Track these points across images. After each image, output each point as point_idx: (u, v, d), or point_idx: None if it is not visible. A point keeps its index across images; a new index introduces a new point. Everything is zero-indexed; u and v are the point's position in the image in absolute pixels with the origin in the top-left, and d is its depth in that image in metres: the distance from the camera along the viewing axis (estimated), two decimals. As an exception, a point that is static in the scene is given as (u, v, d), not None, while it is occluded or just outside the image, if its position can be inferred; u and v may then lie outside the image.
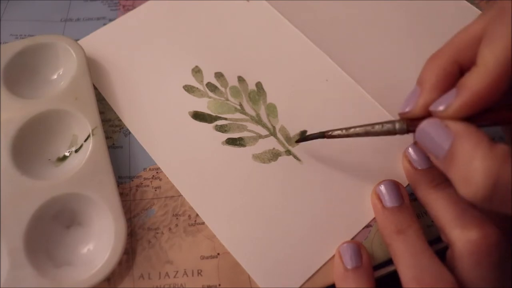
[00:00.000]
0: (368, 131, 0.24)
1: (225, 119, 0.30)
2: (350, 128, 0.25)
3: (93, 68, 0.31)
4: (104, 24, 0.34)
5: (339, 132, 0.25)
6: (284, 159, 0.28)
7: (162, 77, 0.32)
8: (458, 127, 0.20)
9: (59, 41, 0.31)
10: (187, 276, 0.25)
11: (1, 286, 0.23)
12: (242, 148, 0.29)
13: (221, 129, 0.30)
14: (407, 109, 0.23)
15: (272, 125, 0.30)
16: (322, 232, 0.26)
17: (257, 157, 0.28)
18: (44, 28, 0.34)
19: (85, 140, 0.28)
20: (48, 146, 0.28)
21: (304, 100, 0.31)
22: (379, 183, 0.26)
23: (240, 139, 0.29)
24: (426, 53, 0.32)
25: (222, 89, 0.31)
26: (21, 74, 0.30)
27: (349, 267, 0.24)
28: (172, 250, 0.26)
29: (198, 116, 0.30)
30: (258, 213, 0.27)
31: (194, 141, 0.29)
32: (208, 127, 0.30)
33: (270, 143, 0.29)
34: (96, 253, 0.25)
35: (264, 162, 0.28)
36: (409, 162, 0.26)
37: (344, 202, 0.27)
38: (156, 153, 0.29)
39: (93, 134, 0.27)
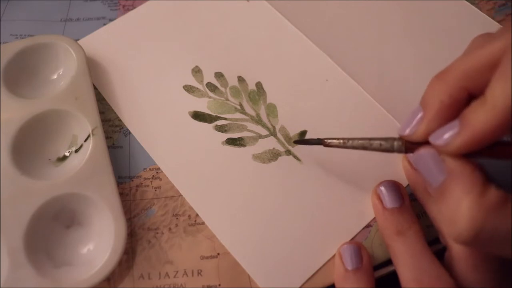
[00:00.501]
0: (366, 147, 0.24)
1: (225, 119, 0.30)
2: (348, 140, 0.24)
3: (93, 68, 0.31)
4: (104, 24, 0.34)
5: (336, 142, 0.25)
6: (284, 159, 0.28)
7: (162, 77, 0.32)
8: (453, 165, 0.19)
9: (59, 41, 0.31)
10: (187, 276, 0.25)
11: (1, 286, 0.23)
12: (242, 148, 0.29)
13: (221, 129, 0.30)
14: (407, 132, 0.22)
15: (272, 125, 0.30)
16: (322, 232, 0.26)
17: (257, 157, 0.28)
18: (44, 28, 0.34)
19: (85, 140, 0.28)
20: (48, 146, 0.28)
21: (304, 100, 0.31)
22: (380, 184, 0.26)
23: (240, 139, 0.29)
24: (426, 53, 0.32)
25: (222, 89, 0.31)
26: (21, 74, 0.30)
27: (349, 268, 0.24)
28: (172, 250, 0.26)
29: (198, 116, 0.30)
30: (258, 213, 0.27)
31: (194, 141, 0.29)
32: (208, 127, 0.30)
33: (270, 143, 0.29)
34: (96, 253, 0.24)
35: (264, 162, 0.28)
36: (409, 162, 0.26)
37: (344, 202, 0.27)
38: (156, 153, 0.29)
39: (93, 134, 0.27)
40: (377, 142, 0.23)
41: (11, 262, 0.23)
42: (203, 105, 0.31)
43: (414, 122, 0.22)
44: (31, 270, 0.23)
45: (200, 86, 0.31)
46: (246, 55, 0.33)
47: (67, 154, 0.28)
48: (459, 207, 0.18)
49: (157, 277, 0.25)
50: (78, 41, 0.33)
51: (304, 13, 0.35)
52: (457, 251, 0.22)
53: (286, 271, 0.25)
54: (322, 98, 0.31)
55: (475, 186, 0.18)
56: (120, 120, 0.30)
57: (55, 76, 0.31)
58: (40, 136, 0.28)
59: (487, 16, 0.35)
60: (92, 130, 0.27)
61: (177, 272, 0.25)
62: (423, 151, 0.21)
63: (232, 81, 0.32)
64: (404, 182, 0.27)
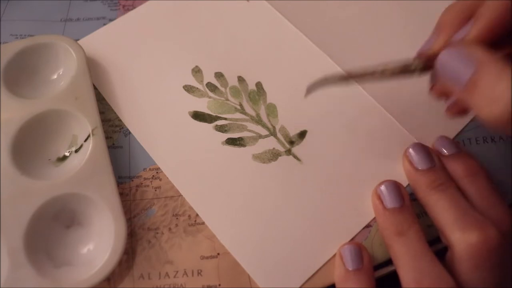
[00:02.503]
0: (384, 70, 0.23)
1: (225, 119, 0.30)
2: (369, 71, 0.23)
3: (93, 68, 0.31)
4: (104, 24, 0.34)
5: (356, 72, 0.24)
6: (284, 159, 0.28)
7: (162, 77, 0.32)
8: (481, 54, 0.19)
9: (59, 41, 0.31)
10: (187, 276, 0.25)
11: (1, 286, 0.23)
12: (242, 148, 0.29)
13: (221, 129, 0.30)
14: (426, 48, 0.23)
15: (272, 125, 0.30)
16: (322, 232, 0.26)
17: (257, 157, 0.28)
18: (44, 28, 0.34)
19: (85, 140, 0.28)
20: (48, 146, 0.28)
21: (304, 100, 0.31)
22: (380, 184, 0.26)
23: (240, 139, 0.29)
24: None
25: (222, 89, 0.31)
26: (21, 74, 0.30)
27: (350, 268, 0.24)
28: (172, 250, 0.26)
29: (198, 116, 0.30)
30: (258, 213, 0.27)
31: (194, 141, 0.29)
32: (208, 127, 0.30)
33: (270, 143, 0.29)
34: (96, 253, 0.24)
35: (264, 162, 0.28)
36: (410, 162, 0.26)
37: (344, 202, 0.27)
38: (155, 153, 0.29)
39: (93, 134, 0.27)
40: (394, 64, 0.23)
41: (11, 262, 0.23)
42: (203, 105, 0.31)
43: (432, 39, 0.23)
44: (31, 270, 0.23)
45: (200, 86, 0.31)
46: (246, 55, 0.33)
47: (67, 154, 0.28)
48: (498, 84, 0.18)
49: (157, 277, 0.25)
50: (78, 41, 0.33)
51: (304, 13, 0.35)
52: (460, 251, 0.22)
53: (286, 271, 0.25)
54: (322, 98, 0.31)
55: (508, 66, 0.18)
56: (120, 120, 0.30)
57: (55, 76, 0.31)
58: (40, 136, 0.28)
59: None
60: (92, 130, 0.27)
61: (177, 272, 0.25)
62: (448, 49, 0.21)
63: (232, 81, 0.32)
64: (404, 182, 0.27)
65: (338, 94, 0.31)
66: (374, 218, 0.26)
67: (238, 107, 0.30)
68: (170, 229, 0.26)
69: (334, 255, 0.25)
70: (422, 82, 0.30)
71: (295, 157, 0.29)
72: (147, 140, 0.29)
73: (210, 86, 0.31)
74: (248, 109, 0.30)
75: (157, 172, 0.28)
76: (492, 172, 0.28)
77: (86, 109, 0.28)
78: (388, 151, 0.28)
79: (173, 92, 0.31)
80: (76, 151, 0.28)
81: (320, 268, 0.25)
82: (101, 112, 0.30)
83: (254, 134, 0.29)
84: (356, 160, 0.28)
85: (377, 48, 0.33)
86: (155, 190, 0.28)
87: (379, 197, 0.26)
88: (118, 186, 0.26)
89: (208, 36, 0.34)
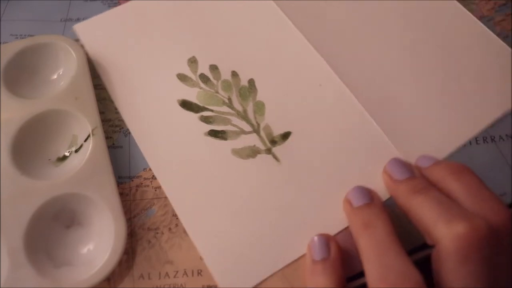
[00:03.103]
0: None
1: (211, 111, 0.30)
2: None
3: (92, 53, 0.32)
4: (104, 24, 0.35)
5: None
6: (262, 157, 0.28)
7: (158, 63, 0.32)
8: None
9: (59, 41, 0.31)
10: (187, 276, 0.25)
11: (1, 286, 0.23)
12: (222, 141, 0.29)
13: (205, 120, 0.30)
14: None
15: (257, 122, 0.30)
16: (289, 234, 0.26)
17: (236, 152, 0.29)
18: (44, 28, 0.34)
19: (85, 140, 0.28)
20: (48, 146, 0.28)
21: (294, 102, 0.31)
22: (350, 189, 0.26)
23: (223, 132, 0.29)
24: (426, 72, 0.32)
25: (214, 81, 0.31)
26: (21, 74, 0.30)
27: (316, 258, 0.24)
28: (172, 250, 0.26)
29: (185, 104, 0.30)
30: (228, 207, 0.27)
31: (177, 128, 0.29)
32: (193, 116, 0.30)
33: (251, 140, 0.29)
34: (96, 253, 0.25)
35: (242, 158, 0.28)
36: (389, 176, 0.26)
37: (317, 208, 0.27)
38: (139, 133, 0.29)
39: (93, 134, 0.27)
40: None
41: (11, 262, 0.23)
42: (192, 95, 0.31)
43: None
44: (31, 270, 0.23)
45: (193, 76, 0.32)
46: (243, 51, 0.33)
47: (67, 154, 0.28)
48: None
49: (157, 277, 0.25)
50: (79, 24, 0.33)
51: (308, 16, 0.34)
52: (447, 244, 0.21)
53: (245, 268, 0.25)
54: (313, 102, 0.31)
55: None
56: (120, 120, 0.30)
57: (55, 76, 0.31)
58: (40, 136, 0.28)
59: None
60: (92, 130, 0.27)
61: (177, 272, 0.25)
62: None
63: (226, 75, 0.32)
64: (382, 190, 0.26)
65: (329, 101, 0.31)
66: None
67: (227, 100, 0.31)
68: (170, 229, 0.26)
69: (299, 258, 0.25)
70: (419, 102, 0.30)
71: (275, 157, 0.28)
72: (132, 119, 0.30)
73: (203, 78, 0.32)
74: (236, 104, 0.31)
75: (157, 172, 0.28)
76: (492, 172, 0.28)
77: (86, 109, 0.28)
78: (371, 166, 0.28)
79: (166, 79, 0.31)
80: (76, 151, 0.28)
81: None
82: (101, 112, 0.30)
83: (237, 129, 0.29)
84: (335, 169, 0.28)
85: (377, 60, 0.32)
86: (155, 190, 0.28)
87: (349, 201, 0.25)
88: (118, 186, 0.26)
89: (209, 28, 0.34)
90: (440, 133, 0.29)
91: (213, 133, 0.29)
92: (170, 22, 0.34)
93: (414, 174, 0.25)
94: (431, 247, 0.22)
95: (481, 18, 0.35)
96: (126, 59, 0.32)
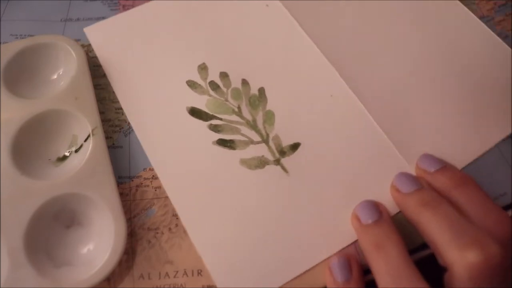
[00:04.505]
0: None
1: (221, 119, 0.30)
2: None
3: (102, 54, 0.32)
4: (104, 24, 0.34)
5: None
6: (271, 168, 0.28)
7: (168, 69, 0.32)
8: None
9: (59, 41, 0.31)
10: (187, 276, 0.25)
11: (1, 286, 0.23)
12: (231, 151, 0.29)
13: (214, 128, 0.29)
14: None
15: (266, 132, 0.29)
16: (295, 247, 0.26)
17: (244, 162, 0.28)
18: (44, 28, 0.34)
19: (85, 140, 0.28)
20: (48, 146, 0.28)
21: (304, 112, 0.30)
22: (358, 204, 0.26)
23: (231, 141, 0.29)
24: (439, 86, 0.31)
25: (224, 89, 0.31)
26: (21, 74, 0.30)
27: (339, 280, 0.24)
28: (172, 250, 0.26)
29: (195, 112, 0.30)
30: (235, 217, 0.26)
31: (185, 136, 0.29)
32: (202, 124, 0.30)
33: (260, 150, 0.29)
34: (96, 253, 0.25)
35: (250, 168, 0.28)
36: (396, 190, 0.26)
37: (325, 221, 0.26)
38: (146, 140, 0.29)
39: (93, 134, 0.27)
40: None
41: (11, 262, 0.23)
42: (202, 103, 0.30)
43: None
44: (31, 270, 0.23)
45: (203, 83, 0.31)
46: (254, 59, 0.32)
47: (67, 154, 0.28)
48: None
49: (157, 277, 0.25)
50: (88, 27, 0.33)
51: (321, 26, 0.34)
52: (460, 272, 0.21)
53: (246, 279, 0.25)
54: (323, 114, 0.30)
55: None
56: (120, 120, 0.30)
57: (55, 76, 0.31)
58: (40, 136, 0.28)
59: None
60: (92, 130, 0.27)
61: (177, 272, 0.25)
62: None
63: (236, 83, 0.31)
64: (390, 202, 0.26)
65: (340, 112, 0.30)
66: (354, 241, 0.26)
67: (236, 109, 0.30)
68: (170, 229, 0.26)
69: (306, 272, 0.25)
70: (431, 116, 0.30)
71: (283, 168, 0.28)
72: (141, 126, 0.30)
73: (213, 85, 0.31)
74: (246, 113, 0.30)
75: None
76: (492, 172, 0.28)
77: (86, 109, 0.28)
78: (381, 180, 0.27)
79: (176, 85, 0.31)
80: (76, 151, 0.28)
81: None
82: (101, 112, 0.30)
83: (246, 139, 0.29)
84: (344, 182, 0.27)
85: (391, 73, 0.32)
86: (155, 190, 0.28)
87: (357, 216, 0.25)
88: (118, 186, 0.26)
89: (220, 35, 0.34)
90: (450, 149, 0.29)
91: (222, 142, 0.29)
92: (181, 27, 0.34)
93: (422, 186, 0.25)
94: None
95: (481, 18, 0.35)
96: (135, 63, 0.32)
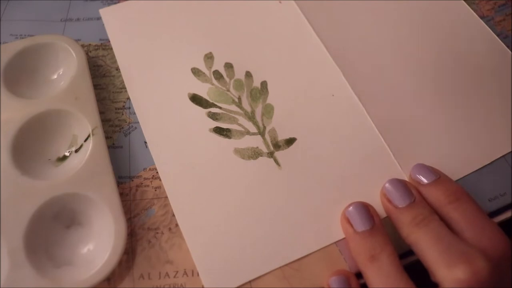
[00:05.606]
0: None
1: (220, 108, 0.30)
2: None
3: (113, 35, 0.33)
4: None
5: None
6: (264, 160, 0.28)
7: (175, 55, 0.33)
8: None
9: (59, 41, 0.31)
10: (187, 276, 0.25)
11: (1, 286, 0.23)
12: (226, 139, 0.29)
13: (213, 116, 0.30)
14: None
15: (263, 124, 0.30)
16: (281, 239, 0.26)
17: (238, 152, 0.29)
18: (44, 28, 0.34)
19: (85, 140, 0.28)
20: (48, 146, 0.28)
21: (304, 109, 0.30)
22: (348, 206, 0.25)
23: (228, 130, 0.29)
24: (444, 95, 0.31)
25: (227, 79, 0.32)
26: (21, 74, 0.30)
27: None
28: (172, 250, 0.26)
29: (195, 99, 0.31)
30: (222, 204, 0.27)
31: (183, 120, 0.30)
32: (201, 111, 0.30)
33: (255, 142, 0.29)
34: (96, 253, 0.25)
35: (243, 158, 0.28)
36: (388, 200, 0.25)
37: (313, 216, 0.26)
38: (144, 118, 0.30)
39: (93, 134, 0.27)
40: None
41: (11, 262, 0.23)
42: (203, 90, 0.31)
43: None
44: (31, 270, 0.23)
45: (207, 72, 0.32)
46: (260, 53, 0.33)
47: (67, 154, 0.28)
48: None
49: (157, 277, 0.25)
50: (105, 9, 0.35)
51: (330, 25, 0.34)
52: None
53: (231, 268, 0.25)
54: (322, 112, 0.30)
55: None
56: (120, 120, 0.30)
57: (55, 76, 0.31)
58: (40, 136, 0.28)
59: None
60: (92, 130, 0.27)
61: (177, 272, 0.25)
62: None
63: (239, 75, 0.32)
64: (382, 212, 0.26)
65: (339, 112, 0.30)
66: (343, 239, 0.26)
67: (237, 100, 0.31)
68: (170, 229, 0.26)
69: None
70: (432, 127, 0.29)
71: (276, 161, 0.28)
72: (142, 109, 0.30)
73: (217, 74, 0.32)
74: (246, 104, 0.31)
75: (157, 172, 0.28)
76: (492, 172, 0.28)
77: (86, 109, 0.28)
78: (373, 183, 0.27)
79: (181, 71, 0.32)
80: (76, 151, 0.28)
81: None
82: (101, 112, 0.30)
83: (242, 129, 0.29)
84: (335, 181, 0.28)
85: (396, 79, 0.31)
86: (155, 190, 0.28)
87: (348, 220, 0.25)
88: (118, 186, 0.26)
89: (229, 27, 0.34)
90: (448, 160, 0.28)
91: (218, 130, 0.29)
92: (192, 15, 0.34)
93: (414, 199, 0.25)
94: None
95: (481, 18, 0.35)
96: (144, 45, 0.33)
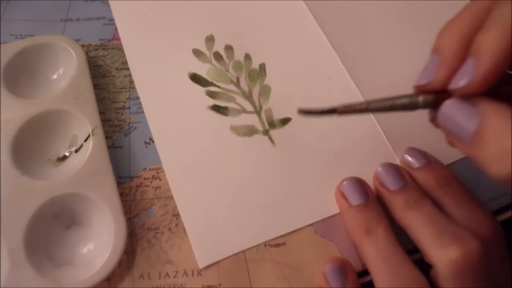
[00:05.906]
0: (389, 106, 0.21)
1: (218, 87, 0.31)
2: (369, 103, 0.22)
3: (117, 13, 0.35)
4: (104, 25, 0.34)
5: (355, 107, 0.22)
6: (259, 138, 0.29)
7: (177, 36, 0.33)
8: (486, 105, 0.18)
9: (59, 41, 0.31)
10: (187, 276, 0.25)
11: (1, 286, 0.23)
12: (223, 117, 0.30)
13: (211, 94, 0.31)
14: (425, 81, 0.20)
15: (260, 104, 0.30)
16: (273, 213, 0.27)
17: (234, 129, 0.29)
18: (44, 28, 0.34)
19: (85, 140, 0.28)
20: (48, 146, 0.28)
21: (300, 91, 0.31)
22: (342, 181, 0.26)
23: (225, 108, 0.30)
24: None
25: (227, 60, 0.32)
26: (21, 74, 0.30)
27: (334, 286, 0.23)
28: (172, 250, 0.26)
29: (195, 78, 0.31)
30: (217, 178, 0.28)
31: (182, 97, 0.31)
32: (200, 90, 0.31)
33: (251, 120, 0.30)
34: (96, 253, 0.25)
35: (238, 135, 0.29)
36: (382, 183, 0.26)
37: (306, 193, 0.27)
38: (145, 95, 0.31)
39: (93, 134, 0.27)
40: (401, 101, 0.21)
41: (11, 262, 0.23)
42: (203, 70, 0.32)
43: (433, 68, 0.20)
44: (31, 270, 0.23)
45: (207, 53, 0.33)
46: (260, 36, 0.34)
47: (67, 154, 0.28)
48: (506, 137, 0.17)
49: (157, 277, 0.25)
50: None
51: (330, 11, 0.35)
52: (441, 268, 0.21)
53: (222, 240, 0.26)
54: (319, 94, 0.31)
55: None
56: (120, 120, 0.30)
57: (55, 76, 0.31)
58: (40, 136, 0.28)
59: None
60: (92, 130, 0.27)
61: (177, 272, 0.25)
62: (448, 104, 0.19)
63: (239, 56, 0.33)
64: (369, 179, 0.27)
65: (335, 95, 0.31)
66: (338, 213, 0.26)
67: (235, 80, 0.31)
68: (170, 229, 0.26)
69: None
70: (426, 117, 0.29)
71: (271, 139, 0.29)
72: (142, 82, 0.31)
73: (217, 55, 0.33)
74: (243, 84, 0.31)
75: (157, 172, 0.28)
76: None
77: (86, 109, 0.28)
78: (366, 166, 0.28)
79: (182, 51, 0.33)
80: (76, 151, 0.28)
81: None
82: (101, 112, 0.30)
83: (239, 108, 0.30)
84: (328, 160, 0.28)
85: (392, 66, 0.32)
86: (155, 190, 0.28)
87: (343, 195, 0.25)
88: (118, 186, 0.26)
89: (231, 11, 0.35)
90: (440, 145, 0.28)
91: (216, 108, 0.30)
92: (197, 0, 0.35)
93: (407, 183, 0.25)
94: None
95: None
96: (149, 25, 0.34)
